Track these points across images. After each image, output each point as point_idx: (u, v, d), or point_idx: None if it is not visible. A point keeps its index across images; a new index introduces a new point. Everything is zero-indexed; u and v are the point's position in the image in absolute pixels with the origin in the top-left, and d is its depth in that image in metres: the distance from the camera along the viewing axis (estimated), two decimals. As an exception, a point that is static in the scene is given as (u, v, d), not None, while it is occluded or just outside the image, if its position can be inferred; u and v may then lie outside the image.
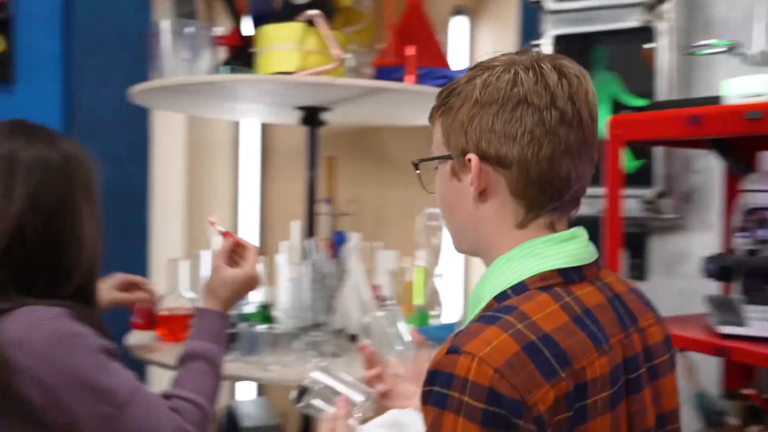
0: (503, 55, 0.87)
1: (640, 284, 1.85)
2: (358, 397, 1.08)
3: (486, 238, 0.87)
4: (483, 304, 0.84)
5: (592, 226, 1.89)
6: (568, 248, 0.84)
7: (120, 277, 1.57)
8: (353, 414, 1.05)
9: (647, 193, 1.67)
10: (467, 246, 0.93)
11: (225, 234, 1.40)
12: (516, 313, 0.77)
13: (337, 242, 1.86)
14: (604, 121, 1.57)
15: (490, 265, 0.86)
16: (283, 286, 1.96)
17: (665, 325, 0.93)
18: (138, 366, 2.17)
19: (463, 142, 0.85)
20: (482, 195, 0.85)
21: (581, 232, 0.87)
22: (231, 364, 1.67)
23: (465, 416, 0.72)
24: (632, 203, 1.70)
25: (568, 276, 0.83)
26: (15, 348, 1.00)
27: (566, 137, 0.83)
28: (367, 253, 2.01)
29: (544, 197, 0.84)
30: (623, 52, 1.74)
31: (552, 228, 0.86)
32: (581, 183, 0.86)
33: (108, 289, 1.51)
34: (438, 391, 0.75)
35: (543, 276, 0.82)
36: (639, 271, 1.82)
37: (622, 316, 0.85)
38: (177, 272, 1.78)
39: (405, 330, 1.24)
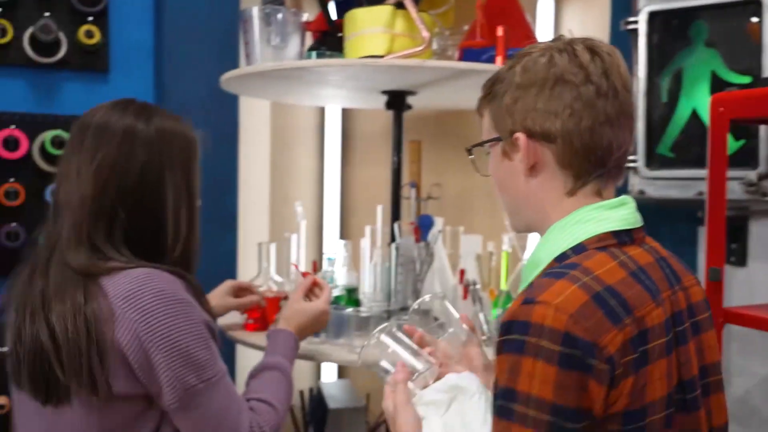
0: (540, 43, 0.97)
1: (740, 270, 1.78)
2: (419, 365, 1.12)
3: (540, 210, 0.96)
4: (541, 267, 0.92)
5: (689, 209, 1.84)
6: (619, 213, 0.93)
7: (230, 283, 1.64)
8: (413, 379, 1.09)
9: (750, 174, 1.59)
10: (523, 222, 1.01)
11: (304, 274, 1.57)
12: (580, 268, 0.85)
13: (422, 226, 1.85)
14: (706, 100, 1.50)
15: (545, 232, 0.95)
16: (367, 270, 1.98)
17: (702, 287, 1.02)
18: (228, 345, 2.24)
19: (510, 123, 0.94)
20: (532, 170, 0.94)
21: (629, 200, 0.95)
22: (319, 346, 1.70)
23: (543, 359, 0.80)
24: (732, 185, 1.63)
25: (621, 238, 0.92)
26: (122, 301, 1.05)
27: (604, 109, 0.91)
28: (451, 238, 2.00)
29: (590, 166, 0.93)
30: (724, 27, 1.66)
31: (599, 195, 0.94)
32: (623, 151, 0.95)
33: (221, 295, 1.57)
34: (515, 338, 0.82)
35: (599, 237, 0.91)
36: (739, 256, 1.75)
37: (669, 276, 0.93)
38: (267, 255, 1.82)
39: (455, 313, 1.27)
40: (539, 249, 0.95)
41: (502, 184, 1.00)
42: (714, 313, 1.28)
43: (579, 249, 0.90)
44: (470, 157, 1.04)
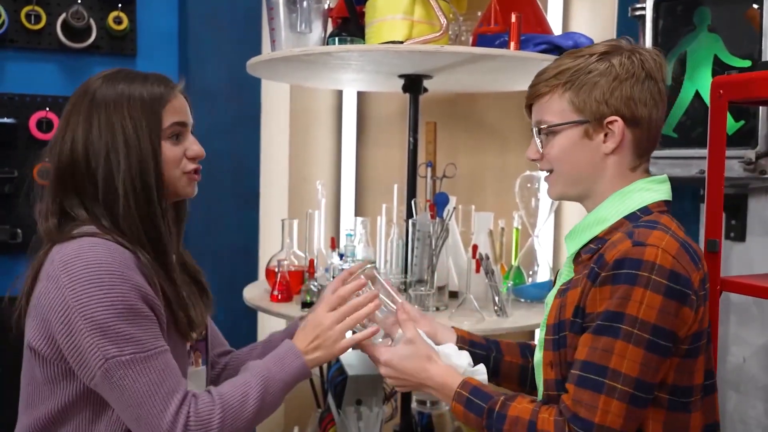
0: (605, 44, 1.14)
1: (739, 245, 1.86)
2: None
3: (606, 182, 1.15)
4: (608, 224, 1.13)
5: (691, 187, 1.92)
6: (666, 187, 1.16)
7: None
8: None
9: (749, 153, 1.68)
10: (575, 192, 1.18)
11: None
12: (662, 224, 1.08)
13: (438, 203, 1.94)
14: (708, 83, 1.59)
15: (609, 196, 1.14)
16: (384, 245, 2.07)
17: None
18: (251, 314, 2.34)
19: (603, 109, 1.11)
20: (615, 149, 1.13)
21: (667, 178, 1.18)
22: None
23: (652, 289, 1.01)
24: (732, 164, 1.71)
25: (669, 206, 1.16)
26: (60, 265, 1.07)
27: (665, 104, 1.15)
28: (464, 215, 2.10)
29: (650, 148, 1.16)
30: (726, 13, 1.73)
31: (647, 172, 1.18)
32: None
33: None
34: (627, 272, 1.02)
35: (657, 204, 1.13)
36: (738, 231, 1.83)
37: None
38: (290, 231, 1.91)
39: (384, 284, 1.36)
40: (603, 209, 1.14)
41: (571, 159, 1.15)
42: (712, 283, 1.39)
43: (645, 211, 1.12)
44: (538, 134, 1.17)
